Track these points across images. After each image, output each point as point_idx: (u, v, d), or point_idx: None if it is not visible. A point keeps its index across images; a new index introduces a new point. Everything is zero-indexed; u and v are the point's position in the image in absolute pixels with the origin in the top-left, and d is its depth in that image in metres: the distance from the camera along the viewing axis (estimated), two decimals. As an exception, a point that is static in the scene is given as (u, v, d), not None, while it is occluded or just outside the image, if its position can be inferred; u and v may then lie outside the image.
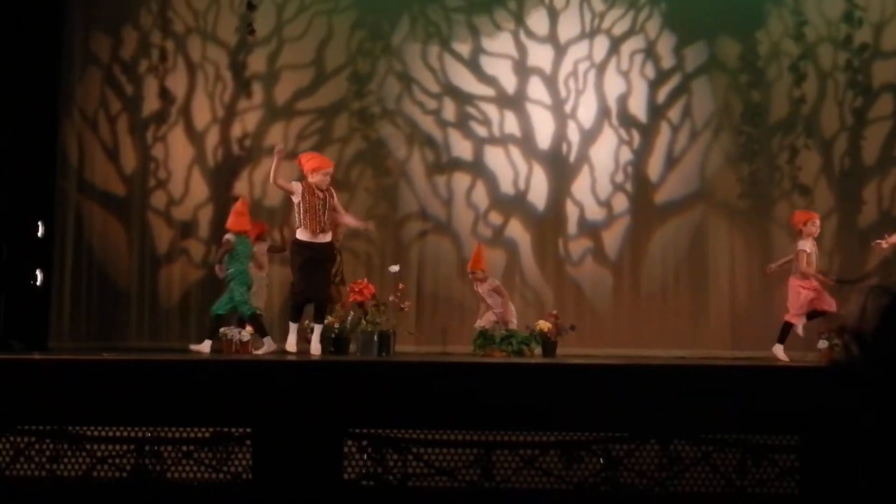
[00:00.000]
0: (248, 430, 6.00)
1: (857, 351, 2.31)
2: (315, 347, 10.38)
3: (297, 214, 10.28)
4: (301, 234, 10.27)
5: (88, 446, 6.12)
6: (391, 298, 11.27)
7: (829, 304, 10.72)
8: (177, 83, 13.54)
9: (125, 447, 6.10)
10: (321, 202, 10.23)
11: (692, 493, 5.80)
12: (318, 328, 10.45)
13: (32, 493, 6.12)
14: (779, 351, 10.72)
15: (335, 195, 10.50)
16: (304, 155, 10.86)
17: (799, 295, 10.77)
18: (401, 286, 11.69)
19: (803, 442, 5.71)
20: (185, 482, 6.04)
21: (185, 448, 6.05)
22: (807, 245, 10.84)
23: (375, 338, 10.89)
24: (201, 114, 13.54)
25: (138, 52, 13.53)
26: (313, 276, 10.34)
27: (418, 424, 5.97)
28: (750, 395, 5.94)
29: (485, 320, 11.48)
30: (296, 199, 10.26)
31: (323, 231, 10.26)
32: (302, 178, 10.46)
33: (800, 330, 10.81)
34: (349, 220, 10.99)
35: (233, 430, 6.03)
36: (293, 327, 10.43)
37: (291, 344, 10.36)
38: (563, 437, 5.86)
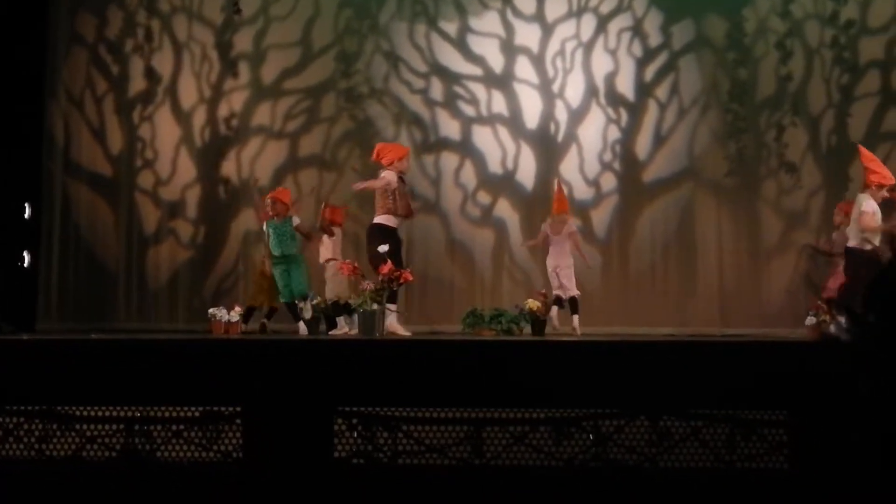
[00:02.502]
0: (238, 408, 6.00)
1: (848, 322, 2.33)
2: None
3: (391, 200, 10.32)
4: (390, 220, 10.39)
5: (77, 426, 6.11)
6: (379, 278, 11.23)
7: None
8: (163, 63, 13.50)
9: (114, 427, 6.09)
10: (405, 188, 10.52)
11: (682, 469, 5.82)
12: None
13: (22, 473, 6.11)
14: None
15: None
16: (384, 146, 10.88)
17: None
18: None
19: (792, 417, 5.73)
20: (175, 461, 6.03)
21: (174, 427, 6.04)
22: None
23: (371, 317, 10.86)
24: (188, 93, 13.51)
25: (124, 32, 13.50)
26: (401, 262, 10.45)
27: (408, 402, 5.97)
28: (738, 372, 5.95)
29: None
30: (391, 187, 10.33)
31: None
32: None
33: None
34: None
35: (223, 408, 6.02)
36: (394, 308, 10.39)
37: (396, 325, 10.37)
38: (553, 413, 5.87)
